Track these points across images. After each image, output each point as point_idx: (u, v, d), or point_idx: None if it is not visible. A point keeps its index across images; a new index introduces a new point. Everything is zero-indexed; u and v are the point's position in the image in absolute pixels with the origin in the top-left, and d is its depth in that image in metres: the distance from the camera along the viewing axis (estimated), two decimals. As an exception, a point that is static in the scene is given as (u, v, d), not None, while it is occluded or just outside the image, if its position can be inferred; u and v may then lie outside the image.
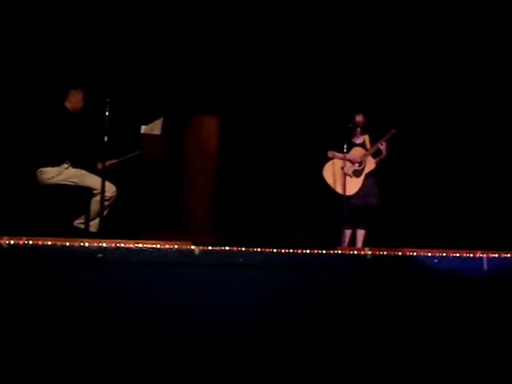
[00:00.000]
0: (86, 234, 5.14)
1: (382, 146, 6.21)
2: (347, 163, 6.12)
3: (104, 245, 3.16)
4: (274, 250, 3.36)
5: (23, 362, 2.96)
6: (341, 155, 6.08)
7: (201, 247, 3.27)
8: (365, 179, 6.20)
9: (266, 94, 7.02)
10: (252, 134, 6.97)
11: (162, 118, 5.53)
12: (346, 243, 6.11)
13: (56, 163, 5.24)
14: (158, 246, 3.23)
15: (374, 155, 6.26)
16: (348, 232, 6.20)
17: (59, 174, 5.23)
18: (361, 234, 6.26)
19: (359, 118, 6.33)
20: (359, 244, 6.20)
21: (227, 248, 3.31)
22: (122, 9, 6.60)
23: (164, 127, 5.51)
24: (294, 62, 7.04)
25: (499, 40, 6.73)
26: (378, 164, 6.25)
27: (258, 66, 6.98)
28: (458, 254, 3.59)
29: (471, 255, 3.59)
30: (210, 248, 3.32)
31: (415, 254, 3.64)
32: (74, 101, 5.43)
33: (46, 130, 5.29)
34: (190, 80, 6.73)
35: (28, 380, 2.95)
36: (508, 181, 6.62)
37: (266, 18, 6.92)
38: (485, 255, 3.58)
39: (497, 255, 3.59)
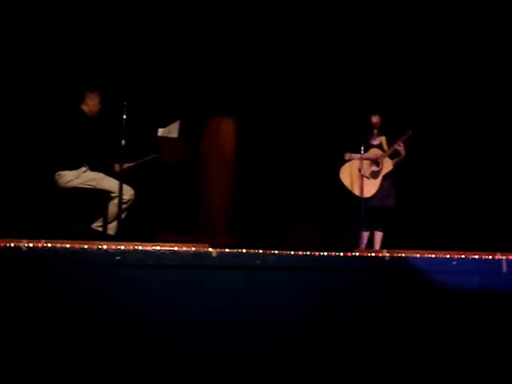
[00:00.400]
0: (104, 236, 5.16)
1: (400, 147, 6.18)
2: (364, 165, 6.10)
3: (122, 247, 3.18)
4: (292, 253, 3.35)
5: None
6: (358, 156, 6.06)
7: (218, 249, 3.27)
8: (382, 181, 6.18)
9: (282, 95, 7.02)
10: (269, 135, 6.97)
11: (178, 121, 5.54)
12: (363, 245, 6.09)
13: (74, 166, 5.27)
14: (176, 248, 3.24)
15: (392, 156, 6.24)
16: (366, 234, 6.18)
17: (77, 178, 5.27)
18: (378, 235, 6.23)
19: (375, 120, 6.31)
20: (377, 246, 6.18)
21: (244, 250, 3.31)
22: (138, 12, 6.63)
23: (181, 130, 5.53)
24: (311, 63, 7.03)
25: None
26: (395, 165, 6.22)
27: (275, 68, 6.98)
28: (476, 256, 3.56)
29: (490, 257, 3.57)
30: (227, 250, 3.32)
31: (433, 255, 3.61)
32: (91, 104, 5.46)
33: (64, 134, 5.32)
34: (207, 82, 6.75)
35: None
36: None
37: (282, 19, 6.92)
38: (504, 257, 3.55)
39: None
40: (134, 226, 5.34)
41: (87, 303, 3.08)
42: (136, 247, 3.21)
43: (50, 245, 3.13)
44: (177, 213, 5.52)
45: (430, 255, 3.60)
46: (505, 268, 3.51)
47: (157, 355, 3.11)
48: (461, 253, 3.61)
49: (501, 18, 6.69)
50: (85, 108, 5.45)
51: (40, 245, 3.13)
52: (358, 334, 3.33)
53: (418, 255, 3.58)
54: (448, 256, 3.55)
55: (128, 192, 5.25)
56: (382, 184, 6.17)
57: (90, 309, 3.08)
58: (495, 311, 3.43)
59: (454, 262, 3.48)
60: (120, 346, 3.08)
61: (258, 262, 3.24)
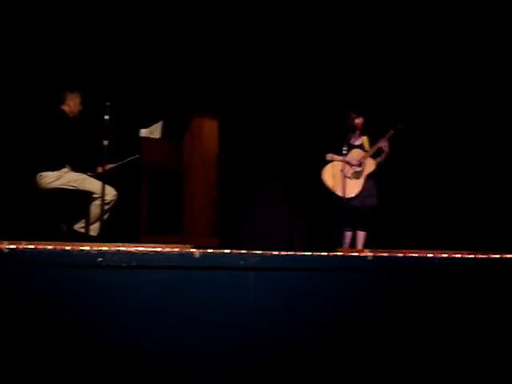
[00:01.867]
0: (86, 238, 5.13)
1: (384, 144, 6.20)
2: (346, 165, 6.12)
3: (104, 249, 3.16)
4: (275, 253, 3.35)
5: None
6: (340, 157, 6.08)
7: (201, 250, 3.27)
8: (365, 181, 6.21)
9: (265, 96, 7.03)
10: (252, 136, 6.98)
11: (161, 122, 5.53)
12: (346, 245, 6.12)
13: (56, 167, 5.24)
14: (159, 249, 3.23)
15: (375, 155, 6.26)
16: (349, 234, 6.20)
17: (59, 179, 5.23)
18: (361, 235, 6.26)
19: (359, 121, 6.33)
20: (360, 245, 6.20)
21: (227, 251, 3.30)
22: (120, 11, 6.60)
23: (164, 130, 5.51)
24: (293, 63, 7.04)
25: (496, 37, 6.72)
26: (380, 163, 6.24)
27: (257, 68, 6.98)
28: (459, 255, 3.59)
29: (472, 256, 3.59)
30: (210, 251, 3.32)
31: (416, 255, 3.63)
32: (72, 104, 5.43)
33: (45, 134, 5.29)
34: (190, 83, 6.73)
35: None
36: (507, 180, 6.61)
37: (265, 18, 6.92)
38: (485, 256, 3.58)
39: (498, 256, 3.59)
40: (116, 227, 5.31)
41: (70, 305, 3.06)
42: (118, 248, 3.19)
43: (31, 246, 3.11)
44: (160, 214, 5.50)
45: (412, 254, 3.62)
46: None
47: (139, 358, 3.10)
48: (443, 252, 3.63)
49: (485, 12, 6.73)
50: (66, 108, 5.42)
51: (21, 246, 3.10)
52: (341, 334, 3.34)
53: (401, 254, 3.60)
54: (431, 255, 3.57)
55: (110, 193, 5.23)
56: (364, 184, 6.20)
57: (73, 310, 3.06)
58: (480, 309, 3.46)
59: (437, 261, 3.50)
60: (101, 347, 3.07)
61: (242, 262, 3.24)
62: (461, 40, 6.85)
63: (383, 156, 6.25)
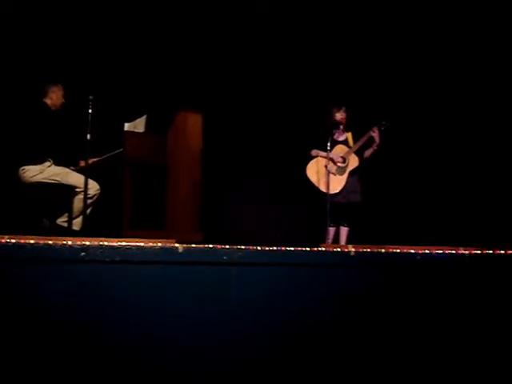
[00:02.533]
0: (69, 232, 5.11)
1: (375, 133, 6.20)
2: (330, 161, 6.13)
3: (87, 243, 3.15)
4: (258, 248, 3.36)
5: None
6: (324, 153, 6.09)
7: (184, 245, 3.27)
8: (348, 177, 6.22)
9: (249, 90, 7.02)
10: (236, 130, 6.98)
11: (145, 116, 5.51)
12: (330, 241, 6.14)
13: (38, 161, 5.21)
14: (142, 244, 3.22)
15: (364, 148, 6.27)
16: (332, 230, 6.21)
17: (41, 172, 5.20)
18: (344, 231, 6.28)
19: (340, 116, 6.34)
20: (343, 241, 6.22)
21: (211, 246, 3.31)
22: (105, 5, 6.56)
23: (147, 124, 5.50)
24: (276, 59, 7.05)
25: (481, 32, 6.76)
26: (372, 154, 6.24)
27: (241, 63, 6.97)
28: (440, 251, 3.61)
29: (453, 252, 3.62)
30: (193, 246, 3.32)
31: (398, 250, 3.66)
32: (55, 97, 5.40)
33: (27, 128, 5.25)
34: (174, 77, 6.71)
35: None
36: (490, 175, 6.66)
37: (247, 14, 6.91)
38: (467, 252, 3.60)
39: (479, 252, 3.62)
40: (99, 221, 5.29)
41: (51, 300, 3.05)
42: (101, 243, 3.18)
43: (13, 240, 3.09)
44: (144, 208, 5.49)
45: (394, 250, 3.64)
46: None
47: (123, 353, 3.09)
48: (425, 247, 3.65)
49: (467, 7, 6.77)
50: (48, 101, 5.39)
51: (3, 240, 3.09)
52: (324, 330, 3.35)
53: (384, 250, 3.62)
54: (412, 251, 3.60)
55: (93, 187, 5.21)
56: (348, 180, 6.22)
57: (55, 305, 3.05)
58: (461, 303, 3.49)
59: (419, 257, 3.52)
60: (84, 343, 3.06)
61: (225, 257, 3.25)
62: (445, 33, 6.88)
63: (374, 147, 6.24)
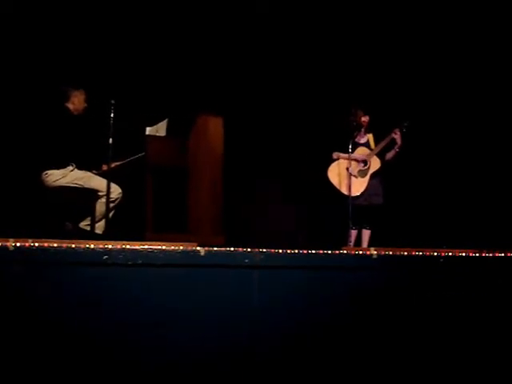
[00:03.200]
0: (91, 235, 5.14)
1: (397, 135, 6.17)
2: (352, 164, 6.11)
3: (110, 246, 3.17)
4: (280, 251, 3.35)
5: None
6: (346, 156, 6.07)
7: (206, 248, 3.27)
8: (370, 179, 6.20)
9: (270, 94, 7.02)
10: (257, 134, 6.98)
11: (166, 120, 5.53)
12: (351, 243, 6.11)
13: (61, 165, 5.25)
14: (164, 247, 3.23)
15: (387, 150, 6.24)
16: (354, 232, 6.19)
17: (64, 177, 5.25)
18: (366, 234, 6.26)
19: (365, 119, 6.33)
20: (365, 244, 6.20)
21: (232, 249, 3.31)
22: (126, 9, 6.61)
23: (169, 128, 5.51)
24: (298, 61, 7.04)
25: (502, 37, 6.70)
26: (394, 155, 6.21)
27: (262, 66, 6.98)
28: (463, 254, 3.58)
29: (477, 254, 3.59)
30: (215, 249, 3.32)
31: (421, 253, 3.63)
32: (77, 102, 5.44)
33: (50, 132, 5.30)
34: (195, 80, 6.74)
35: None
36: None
37: (268, 17, 6.92)
38: (491, 254, 3.57)
39: (502, 254, 3.58)
40: (122, 225, 5.32)
41: (75, 303, 3.07)
42: (124, 246, 3.20)
43: (37, 244, 3.11)
44: (165, 211, 5.51)
45: (417, 253, 3.61)
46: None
47: (144, 356, 3.10)
48: (448, 250, 3.62)
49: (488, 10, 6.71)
50: (70, 106, 5.43)
51: (27, 244, 3.12)
52: (346, 332, 3.34)
53: (406, 253, 3.59)
54: (435, 254, 3.57)
55: (115, 191, 5.24)
56: (369, 182, 6.19)
57: (78, 309, 3.07)
58: (484, 306, 3.45)
59: (441, 260, 3.49)
60: (107, 346, 3.07)
61: (246, 260, 3.24)
62: (465, 39, 6.84)
63: (396, 148, 6.21)
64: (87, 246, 3.15)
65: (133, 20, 6.63)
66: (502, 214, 6.53)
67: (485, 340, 3.41)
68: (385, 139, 6.22)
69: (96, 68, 6.37)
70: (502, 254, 3.58)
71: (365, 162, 6.23)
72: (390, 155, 6.25)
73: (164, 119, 5.55)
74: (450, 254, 3.54)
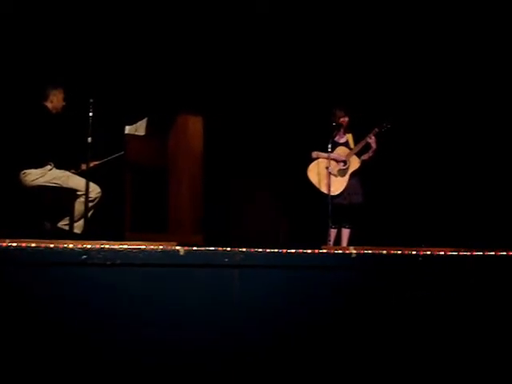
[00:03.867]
0: (70, 235, 5.11)
1: (371, 140, 6.22)
2: (332, 163, 6.13)
3: (88, 246, 3.14)
4: (260, 250, 3.35)
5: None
6: (325, 155, 6.10)
7: (186, 247, 3.26)
8: (349, 178, 6.23)
9: (250, 92, 7.02)
10: (237, 133, 6.97)
11: (146, 119, 5.51)
12: (331, 242, 6.13)
13: (39, 165, 5.21)
14: (143, 247, 3.21)
15: (363, 152, 6.28)
16: (333, 231, 6.21)
17: (43, 176, 5.21)
18: (346, 233, 6.28)
19: (344, 119, 6.35)
20: (344, 243, 6.22)
21: (212, 248, 3.30)
22: (105, 8, 6.56)
23: (148, 127, 5.50)
24: (276, 60, 7.04)
25: (480, 35, 6.76)
26: (368, 159, 6.26)
27: (241, 65, 6.97)
28: (442, 253, 3.60)
29: (456, 253, 3.61)
30: (194, 248, 3.31)
31: (400, 252, 3.65)
32: (55, 100, 5.41)
33: (27, 131, 5.26)
34: (175, 80, 6.71)
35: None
36: (492, 176, 6.66)
37: (248, 16, 6.91)
38: (469, 253, 3.60)
39: (481, 253, 3.61)
40: (101, 224, 5.29)
41: (53, 303, 3.05)
42: (102, 246, 3.18)
43: (14, 244, 3.08)
44: (145, 211, 5.49)
45: (396, 252, 3.63)
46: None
47: (125, 356, 3.09)
48: (427, 249, 3.64)
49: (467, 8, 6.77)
50: (49, 105, 5.39)
51: (4, 244, 3.08)
52: (327, 332, 3.34)
53: (385, 252, 3.61)
54: (414, 253, 3.59)
55: (94, 190, 5.22)
56: (349, 182, 6.22)
57: (56, 309, 3.04)
58: (464, 305, 3.48)
59: (420, 259, 3.51)
60: (87, 346, 3.05)
61: (226, 259, 3.24)
62: (444, 38, 6.88)
63: (370, 152, 6.26)
64: (66, 245, 3.12)
65: (112, 19, 6.58)
66: (481, 213, 6.58)
67: (463, 338, 3.44)
68: (364, 139, 6.26)
69: (75, 66, 6.33)
70: (480, 253, 3.61)
71: (344, 162, 6.26)
72: (365, 157, 6.30)
73: (143, 118, 5.53)
74: (429, 252, 3.56)
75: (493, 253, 3.57)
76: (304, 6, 6.95)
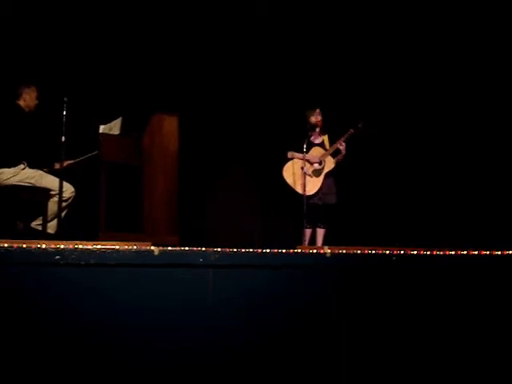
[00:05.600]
0: (43, 235, 5.07)
1: (341, 146, 6.27)
2: (307, 163, 6.16)
3: (62, 246, 3.12)
4: (235, 250, 3.35)
5: None
6: (300, 155, 6.12)
7: (160, 247, 3.25)
8: (324, 179, 6.26)
9: (225, 92, 7.02)
10: (212, 132, 6.97)
11: (120, 118, 5.49)
12: (306, 242, 6.15)
13: (12, 164, 5.16)
14: (117, 247, 3.20)
15: (333, 154, 6.32)
16: (308, 231, 6.23)
17: (16, 175, 5.16)
18: (321, 232, 6.31)
19: (315, 118, 6.37)
20: (319, 243, 6.25)
21: (187, 248, 3.29)
22: (81, 6, 6.52)
23: (123, 127, 5.48)
24: (253, 61, 7.05)
25: (464, 30, 6.82)
26: (337, 163, 6.31)
27: (216, 65, 6.97)
28: (415, 252, 3.64)
29: (428, 253, 3.65)
30: (169, 248, 3.30)
31: (374, 252, 3.67)
32: (28, 99, 5.36)
33: (0, 130, 5.20)
34: (149, 79, 6.69)
35: None
36: (467, 175, 6.73)
37: (219, 15, 6.92)
38: (441, 252, 3.63)
39: (453, 252, 3.65)
40: (74, 224, 5.26)
41: (25, 304, 3.02)
42: (76, 246, 3.16)
43: (-14, 244, 3.05)
44: (120, 211, 5.46)
45: (370, 251, 3.66)
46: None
47: (98, 355, 3.07)
48: (401, 249, 3.67)
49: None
50: (21, 103, 5.34)
51: (-23, 244, 3.05)
52: (302, 332, 3.36)
53: (359, 251, 3.63)
54: (388, 252, 3.62)
55: (68, 190, 5.18)
56: (323, 182, 6.25)
57: (28, 310, 3.02)
58: (437, 305, 3.51)
59: (394, 258, 3.54)
60: (60, 345, 3.03)
61: (201, 259, 3.23)
62: (423, 35, 6.93)
63: (339, 157, 6.31)
64: (39, 245, 3.09)
65: (87, 17, 6.54)
66: (456, 212, 6.65)
67: (436, 337, 3.47)
68: (336, 143, 6.29)
69: (49, 65, 6.27)
70: (453, 252, 3.65)
71: (319, 162, 6.29)
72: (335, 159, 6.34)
73: (118, 117, 5.50)
74: (402, 252, 3.59)
75: (465, 252, 3.61)
76: (280, 10, 6.97)
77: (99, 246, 3.18)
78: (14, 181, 5.15)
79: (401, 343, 3.43)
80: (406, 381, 3.38)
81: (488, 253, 3.59)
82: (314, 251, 3.71)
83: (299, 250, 3.69)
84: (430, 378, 3.39)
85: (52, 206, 5.17)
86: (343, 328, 3.41)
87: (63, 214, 5.15)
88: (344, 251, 3.59)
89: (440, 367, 3.42)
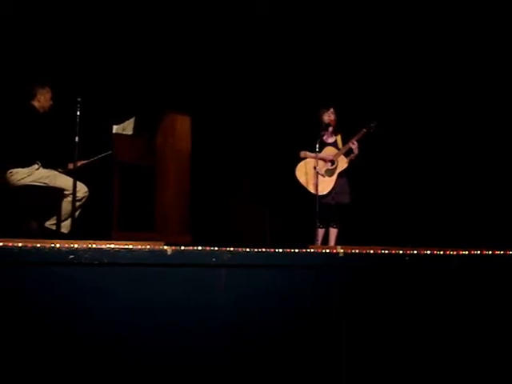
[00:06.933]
0: (57, 235, 5.09)
1: (354, 145, 6.25)
2: (319, 163, 6.15)
3: (75, 246, 3.14)
4: (247, 250, 3.36)
5: None
6: (313, 155, 6.11)
7: (173, 247, 3.26)
8: (337, 178, 6.24)
9: (238, 92, 7.02)
10: (225, 133, 6.97)
11: (133, 118, 5.51)
12: (319, 242, 6.14)
13: (26, 164, 5.19)
14: (130, 246, 3.21)
15: (346, 154, 6.30)
16: (321, 231, 6.22)
17: (30, 175, 5.18)
18: (333, 232, 6.29)
19: (328, 117, 6.35)
20: (332, 242, 6.23)
21: (200, 248, 3.30)
22: (94, 7, 6.55)
23: (136, 127, 5.49)
24: (267, 60, 7.05)
25: (466, 32, 6.80)
26: (349, 163, 6.29)
27: (229, 65, 6.97)
28: (428, 252, 3.63)
29: (441, 252, 3.63)
30: (182, 248, 3.31)
31: (387, 251, 3.66)
32: (43, 99, 5.38)
33: (15, 130, 5.23)
34: (162, 79, 6.70)
35: None
36: (479, 177, 6.70)
37: (235, 16, 6.92)
38: (455, 253, 3.62)
39: (466, 252, 3.64)
40: (88, 224, 5.28)
41: (40, 303, 3.04)
42: (90, 245, 3.17)
43: (1, 244, 3.07)
44: (132, 210, 5.48)
45: (383, 251, 3.65)
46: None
47: (112, 355, 3.08)
48: (413, 248, 3.66)
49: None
50: (36, 104, 5.36)
51: (-9, 244, 3.07)
52: (314, 331, 3.36)
53: (372, 251, 3.62)
54: (401, 252, 3.61)
55: (82, 189, 5.20)
56: (336, 181, 6.23)
57: (42, 309, 3.03)
58: (450, 305, 3.50)
59: (407, 258, 3.54)
60: (75, 345, 3.05)
61: (214, 259, 3.24)
62: (434, 38, 6.91)
63: (352, 157, 6.28)
64: (53, 245, 3.11)
65: (100, 18, 6.57)
66: (468, 213, 6.62)
67: (449, 336, 3.46)
68: (348, 143, 6.27)
69: (63, 65, 6.30)
70: (466, 252, 3.63)
71: (332, 162, 6.27)
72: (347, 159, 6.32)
73: (131, 117, 5.52)
74: (416, 252, 3.58)
75: (478, 252, 3.60)
76: (290, 9, 6.96)
77: (112, 246, 3.19)
78: (28, 181, 5.18)
79: (417, 342, 3.43)
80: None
81: (502, 252, 3.57)
82: (327, 251, 3.71)
83: (312, 250, 3.70)
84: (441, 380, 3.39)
85: (66, 205, 5.20)
86: (356, 326, 3.40)
87: (77, 213, 5.17)
88: (357, 251, 3.59)
89: (450, 367, 3.41)
